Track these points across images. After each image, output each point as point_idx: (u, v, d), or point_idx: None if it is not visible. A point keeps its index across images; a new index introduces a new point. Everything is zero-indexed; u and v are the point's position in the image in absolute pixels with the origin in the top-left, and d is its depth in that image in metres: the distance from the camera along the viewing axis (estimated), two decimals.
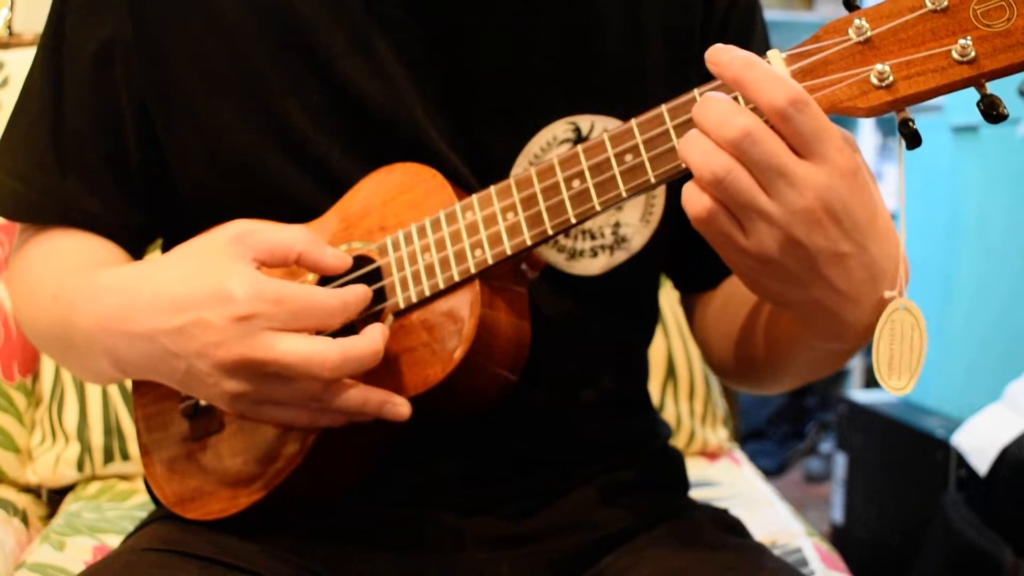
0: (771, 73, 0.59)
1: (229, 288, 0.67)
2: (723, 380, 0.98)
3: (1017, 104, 1.86)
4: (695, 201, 0.61)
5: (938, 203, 2.30)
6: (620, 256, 0.83)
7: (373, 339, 0.68)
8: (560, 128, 0.79)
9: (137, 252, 0.87)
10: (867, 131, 4.32)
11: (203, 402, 0.78)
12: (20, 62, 1.36)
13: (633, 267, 0.83)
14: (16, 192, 0.83)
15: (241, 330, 0.66)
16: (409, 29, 0.78)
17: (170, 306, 0.69)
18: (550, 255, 0.81)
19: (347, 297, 0.69)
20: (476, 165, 0.77)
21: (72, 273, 0.80)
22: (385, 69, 0.78)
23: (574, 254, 0.82)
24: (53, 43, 0.83)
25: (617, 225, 0.82)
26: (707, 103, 0.61)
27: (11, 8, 1.48)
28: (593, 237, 0.82)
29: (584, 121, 0.80)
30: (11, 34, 1.46)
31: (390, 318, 0.73)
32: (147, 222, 0.86)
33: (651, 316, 0.92)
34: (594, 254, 0.82)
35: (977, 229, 2.19)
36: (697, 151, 0.60)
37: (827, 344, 0.70)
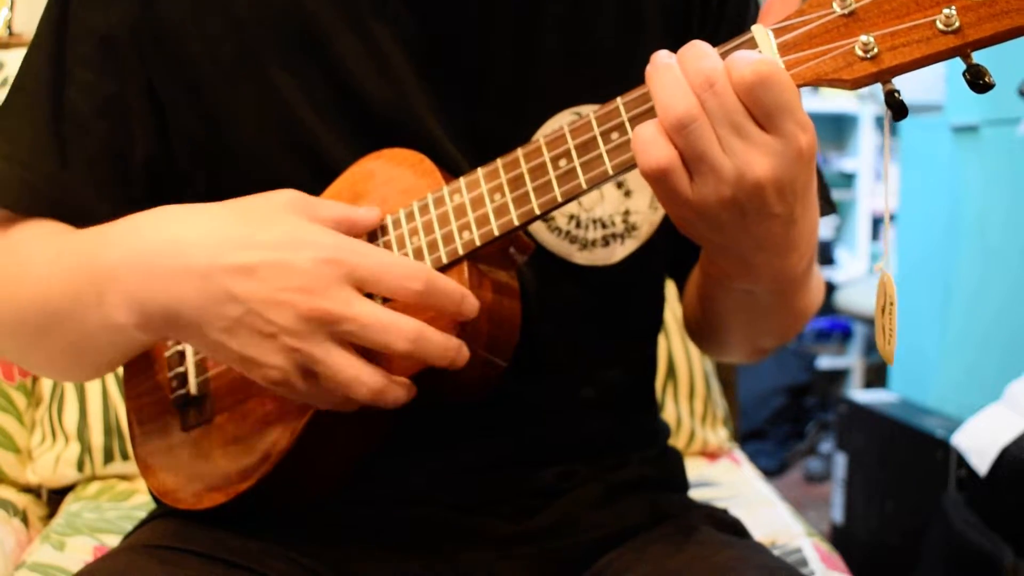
0: (746, 52, 0.61)
1: (311, 233, 0.64)
2: (697, 346, 0.99)
3: (1017, 104, 1.86)
4: (657, 150, 0.61)
5: (938, 203, 2.30)
6: (631, 245, 0.83)
7: (449, 337, 0.67)
8: (565, 119, 0.79)
9: None
10: (867, 130, 4.33)
11: (194, 392, 0.78)
12: (20, 62, 1.37)
13: (643, 255, 0.84)
14: (21, 179, 0.78)
15: (328, 277, 0.63)
16: (413, 25, 0.78)
17: (239, 243, 0.65)
18: (561, 247, 0.81)
19: (432, 276, 0.66)
20: (481, 159, 0.77)
21: (79, 232, 0.75)
22: (390, 65, 0.78)
23: (586, 244, 0.82)
24: (56, 26, 0.80)
25: (627, 213, 0.82)
26: (691, 45, 0.62)
27: (11, 8, 1.48)
28: (604, 226, 0.82)
29: (588, 111, 0.80)
30: (11, 34, 1.47)
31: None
32: None
33: (658, 309, 0.92)
34: (606, 243, 0.82)
35: (977, 229, 2.19)
36: (666, 88, 0.61)
37: (735, 282, 0.73)
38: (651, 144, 0.61)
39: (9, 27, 1.47)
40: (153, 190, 0.82)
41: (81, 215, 0.78)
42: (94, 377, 0.82)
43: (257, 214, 0.67)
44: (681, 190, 0.62)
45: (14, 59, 1.37)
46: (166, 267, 0.66)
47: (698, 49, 0.62)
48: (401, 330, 0.65)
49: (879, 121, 4.31)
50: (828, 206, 0.84)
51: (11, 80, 1.35)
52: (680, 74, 0.61)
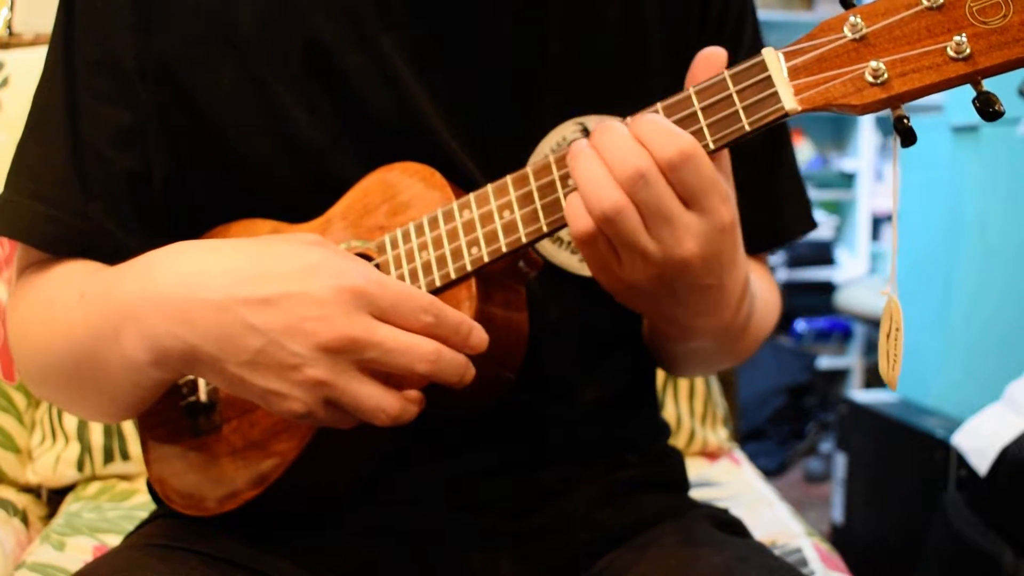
0: (664, 125, 0.61)
1: (328, 262, 0.64)
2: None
3: (1016, 104, 1.86)
4: (580, 219, 0.63)
5: (938, 203, 2.30)
6: None
7: (460, 355, 0.67)
8: (569, 129, 0.79)
9: None
10: (867, 131, 4.33)
11: (204, 399, 0.78)
12: (20, 62, 1.37)
13: None
14: (48, 216, 0.77)
15: (348, 305, 0.63)
16: (418, 33, 0.78)
17: (256, 275, 0.64)
18: (562, 257, 0.81)
19: (442, 310, 0.66)
20: (490, 170, 0.77)
21: (101, 270, 0.75)
22: (397, 77, 0.77)
23: None
24: (63, 61, 0.79)
25: None
26: (606, 131, 0.63)
27: (11, 8, 1.48)
28: None
29: (591, 121, 0.80)
30: (11, 34, 1.46)
31: None
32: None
33: None
34: None
35: (977, 229, 2.19)
36: (592, 183, 0.62)
37: (677, 344, 0.76)
38: (579, 213, 0.63)
39: (9, 27, 1.47)
40: (175, 212, 0.81)
41: (108, 248, 0.78)
42: (130, 417, 0.80)
43: (274, 249, 0.66)
44: (608, 264, 0.64)
45: (14, 59, 1.37)
46: (181, 301, 0.65)
47: (621, 141, 0.62)
48: (423, 352, 0.64)
49: (879, 121, 4.31)
50: (810, 223, 0.88)
51: (11, 80, 1.36)
52: (603, 167, 0.62)
